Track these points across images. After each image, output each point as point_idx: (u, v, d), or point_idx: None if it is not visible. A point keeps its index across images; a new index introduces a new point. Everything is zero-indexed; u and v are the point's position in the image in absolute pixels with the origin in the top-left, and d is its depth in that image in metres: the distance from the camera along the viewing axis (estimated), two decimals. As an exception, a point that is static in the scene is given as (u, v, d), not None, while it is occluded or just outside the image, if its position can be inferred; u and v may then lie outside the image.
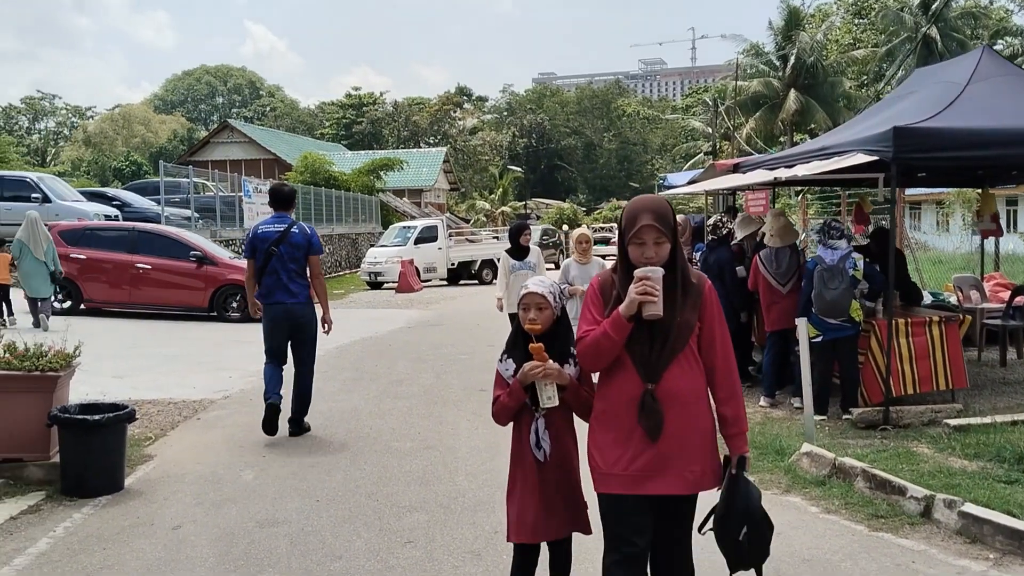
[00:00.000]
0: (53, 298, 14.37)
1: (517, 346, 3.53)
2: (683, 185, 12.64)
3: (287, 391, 7.48)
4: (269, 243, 7.30)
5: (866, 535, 4.97)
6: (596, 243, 46.34)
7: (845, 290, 7.46)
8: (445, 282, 27.29)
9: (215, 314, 15.93)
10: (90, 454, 5.70)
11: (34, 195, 20.08)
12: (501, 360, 3.59)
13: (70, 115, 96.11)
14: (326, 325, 7.67)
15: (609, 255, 46.06)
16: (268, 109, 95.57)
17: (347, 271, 32.20)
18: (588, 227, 53.37)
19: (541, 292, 3.46)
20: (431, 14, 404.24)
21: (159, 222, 20.65)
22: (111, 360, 11.08)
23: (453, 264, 27.11)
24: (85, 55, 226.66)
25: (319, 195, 31.19)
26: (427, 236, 26.67)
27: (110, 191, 26.20)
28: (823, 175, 7.89)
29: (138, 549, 4.84)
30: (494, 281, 28.04)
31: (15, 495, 5.69)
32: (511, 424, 3.58)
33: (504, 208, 64.38)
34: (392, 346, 12.94)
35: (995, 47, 59.18)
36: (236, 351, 12.28)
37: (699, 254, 9.87)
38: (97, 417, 5.68)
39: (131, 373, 10.34)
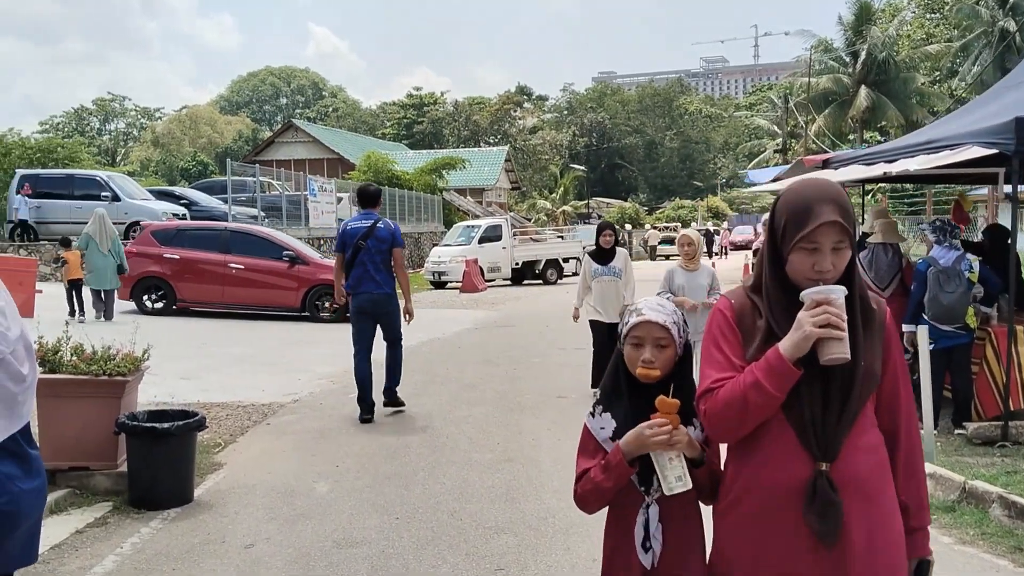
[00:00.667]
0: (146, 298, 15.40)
1: (619, 395, 2.36)
2: (768, 182, 12.02)
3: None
4: (357, 238, 7.94)
5: (1012, 572, 4.41)
6: (661, 243, 45.70)
7: (963, 294, 6.86)
8: (509, 282, 26.92)
9: (307, 314, 15.73)
10: (158, 464, 5.41)
11: (104, 194, 20.25)
12: (593, 414, 2.40)
13: (139, 116, 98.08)
14: (407, 315, 8.21)
15: (672, 255, 45.56)
16: (331, 109, 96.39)
17: (410, 270, 31.98)
18: (666, 227, 52.00)
19: (662, 323, 2.31)
20: (490, 15, 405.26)
21: (226, 220, 20.67)
22: (179, 361, 10.90)
23: (517, 264, 26.72)
24: (153, 58, 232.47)
25: (381, 194, 31.05)
26: (491, 235, 26.32)
27: (177, 190, 26.43)
28: (933, 171, 7.30)
29: (209, 570, 4.51)
30: (559, 281, 27.65)
31: (81, 506, 5.42)
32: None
33: (565, 207, 63.80)
34: (460, 348, 12.58)
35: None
36: (305, 352, 12.04)
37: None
38: (166, 425, 5.37)
39: (199, 374, 10.13)
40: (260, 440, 7.30)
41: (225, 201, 22.42)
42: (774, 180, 11.83)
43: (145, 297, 15.68)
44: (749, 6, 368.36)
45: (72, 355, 5.70)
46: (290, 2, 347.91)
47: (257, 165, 23.68)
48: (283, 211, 23.10)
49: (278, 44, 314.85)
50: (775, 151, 45.09)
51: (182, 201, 23.01)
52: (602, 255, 8.79)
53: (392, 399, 8.25)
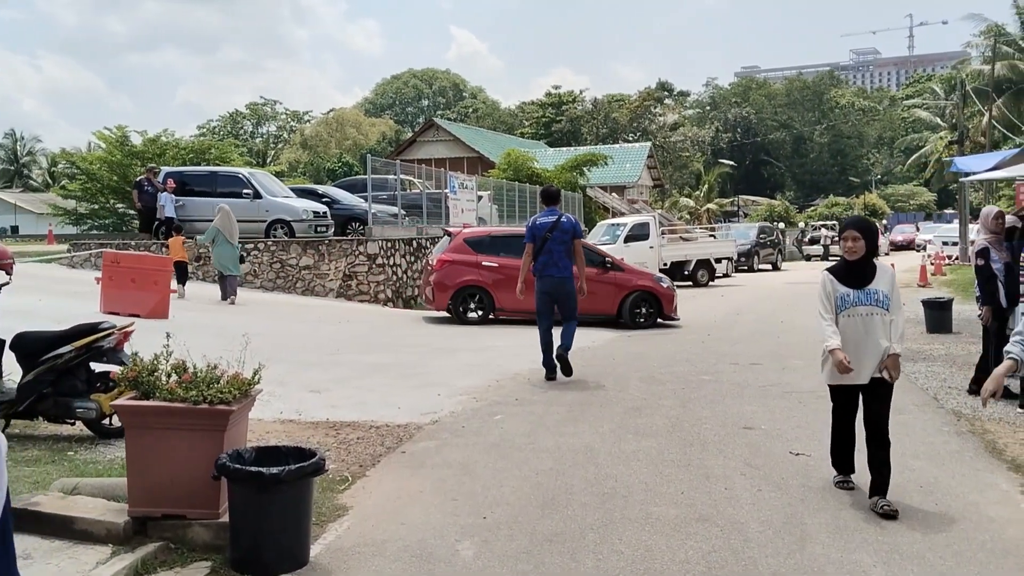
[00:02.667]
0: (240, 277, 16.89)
1: None
2: (987, 170, 10.10)
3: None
4: (545, 230, 9.58)
5: None
6: (810, 242, 42.95)
7: None
8: (656, 284, 25.29)
9: (621, 320, 15.18)
10: (267, 517, 4.30)
11: (245, 191, 19.94)
12: None
13: (289, 120, 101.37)
14: (581, 293, 9.81)
15: (813, 256, 42.82)
16: (471, 110, 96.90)
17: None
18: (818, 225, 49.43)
19: None
20: (628, 11, 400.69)
21: (367, 219, 20.01)
22: (309, 370, 10.01)
23: (666, 264, 25.08)
24: (303, 64, 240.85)
25: (523, 192, 30.04)
26: (638, 234, 24.83)
27: (320, 188, 26.10)
28: None
29: None
30: (711, 284, 25.86)
31: (174, 565, 4.38)
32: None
33: (709, 205, 61.33)
34: (615, 360, 11.20)
35: None
36: (445, 362, 10.96)
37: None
38: (275, 471, 4.26)
39: (329, 386, 9.17)
40: (393, 474, 6.16)
41: (366, 199, 21.82)
42: (994, 168, 9.89)
43: (462, 307, 15.30)
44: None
45: (171, 375, 4.70)
46: (433, 6, 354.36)
47: (398, 162, 22.97)
48: (424, 209, 22.31)
49: (421, 48, 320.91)
50: (950, 142, 41.35)
51: (324, 199, 22.56)
52: (852, 273, 5.43)
53: (564, 363, 9.50)
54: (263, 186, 20.49)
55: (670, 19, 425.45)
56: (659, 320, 15.19)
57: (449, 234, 16.32)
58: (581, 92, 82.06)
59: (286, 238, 19.51)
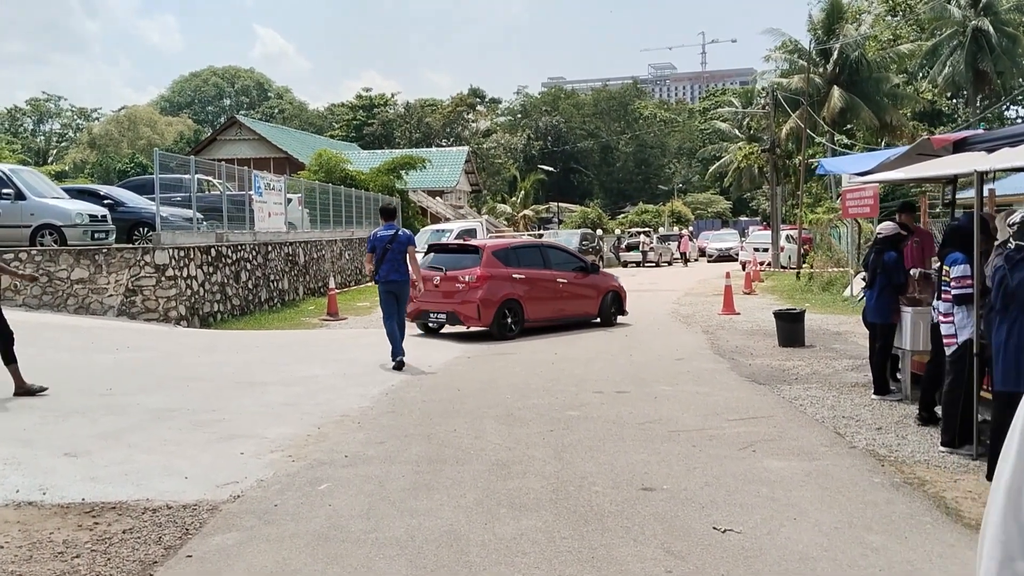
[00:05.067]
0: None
1: None
2: (868, 172, 9.14)
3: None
4: (385, 242, 11.31)
5: None
6: (627, 249, 43.10)
7: None
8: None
9: (600, 320, 16.20)
10: None
11: (5, 190, 16.69)
12: None
13: (75, 117, 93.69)
14: (418, 285, 11.54)
15: (630, 262, 43.19)
16: (276, 111, 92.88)
17: (370, 281, 28.81)
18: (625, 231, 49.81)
19: None
20: (436, 18, 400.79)
21: (154, 224, 17.23)
22: (68, 419, 7.64)
23: (492, 273, 23.60)
24: (93, 59, 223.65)
25: (337, 195, 27.80)
26: (464, 241, 23.23)
27: (103, 188, 22.73)
28: None
29: None
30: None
31: None
32: None
33: (526, 212, 60.95)
34: (461, 391, 9.46)
35: (1048, 43, 55.71)
36: (251, 400, 8.83)
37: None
38: None
39: (93, 446, 6.88)
40: (172, 602, 4.15)
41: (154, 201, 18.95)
42: (879, 168, 8.95)
43: (501, 322, 14.48)
44: (694, 14, 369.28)
45: None
46: (235, 3, 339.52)
47: (193, 159, 20.22)
48: (224, 212, 19.64)
49: (223, 46, 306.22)
50: (762, 150, 42.55)
51: (106, 201, 19.45)
52: None
53: (400, 364, 11.07)
54: (28, 185, 17.26)
55: (477, 28, 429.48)
56: (619, 317, 16.57)
57: (437, 247, 16.44)
58: (393, 96, 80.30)
59: (55, 246, 16.46)
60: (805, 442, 7.00)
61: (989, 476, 5.91)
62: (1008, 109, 52.05)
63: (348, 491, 5.80)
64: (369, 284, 28.59)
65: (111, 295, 15.83)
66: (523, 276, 14.82)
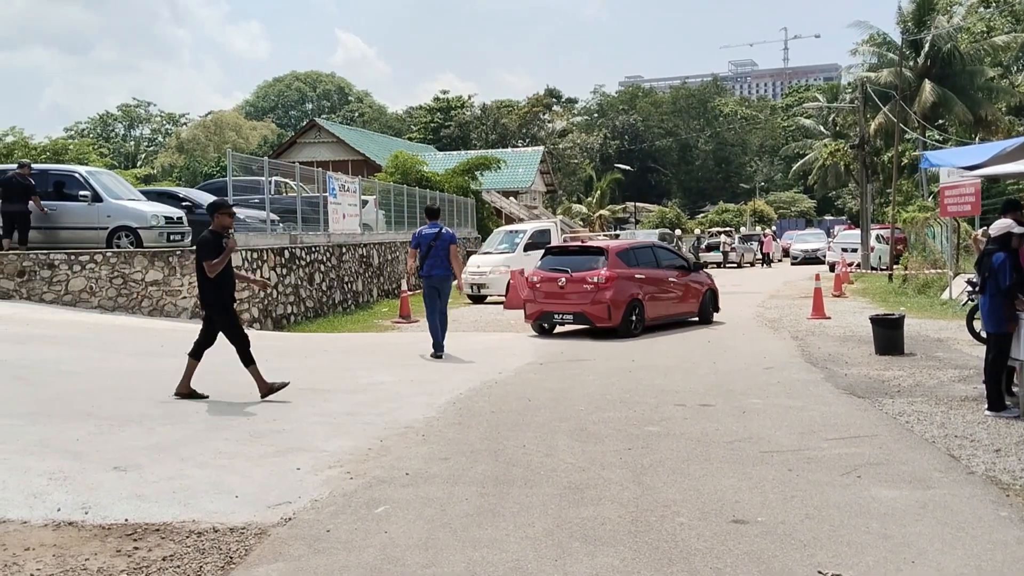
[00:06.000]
0: None
1: None
2: (978, 165, 8.29)
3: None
4: (429, 239, 12.18)
5: None
6: (707, 249, 41.91)
7: None
8: (558, 296, 23.25)
9: (698, 319, 16.55)
10: None
11: (82, 192, 16.81)
12: None
13: (164, 122, 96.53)
14: (458, 281, 12.74)
15: (711, 263, 41.66)
16: (356, 114, 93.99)
17: (412, 276, 28.55)
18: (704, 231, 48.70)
19: None
20: (511, 20, 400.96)
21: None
22: (124, 428, 7.35)
23: (569, 275, 23.02)
24: (182, 66, 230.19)
25: (412, 196, 27.56)
26: (539, 242, 22.69)
27: (181, 191, 22.92)
28: None
29: None
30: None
31: None
32: None
33: (602, 212, 60.18)
34: (532, 401, 8.91)
35: None
36: (313, 408, 8.43)
37: None
38: None
39: (143, 459, 6.53)
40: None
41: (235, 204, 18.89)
42: (993, 160, 8.09)
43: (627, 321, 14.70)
44: (776, 10, 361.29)
45: None
46: (318, 9, 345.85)
47: (266, 159, 20.13)
48: (299, 214, 19.49)
49: (306, 51, 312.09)
50: (851, 146, 40.95)
51: (184, 203, 19.55)
52: None
53: (441, 353, 11.97)
54: (105, 187, 17.36)
55: (552, 28, 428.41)
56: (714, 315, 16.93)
57: (555, 250, 16.74)
58: (470, 97, 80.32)
59: (131, 248, 16.50)
60: (916, 466, 6.25)
61: None
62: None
63: (407, 515, 5.31)
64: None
65: (184, 297, 15.77)
66: (643, 276, 15.20)
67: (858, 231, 34.63)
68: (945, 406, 8.43)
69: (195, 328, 14.93)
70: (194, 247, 9.20)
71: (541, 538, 4.88)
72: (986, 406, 8.10)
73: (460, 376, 10.38)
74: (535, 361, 11.82)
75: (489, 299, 22.33)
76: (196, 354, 8.84)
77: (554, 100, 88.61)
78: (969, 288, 13.83)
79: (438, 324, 12.03)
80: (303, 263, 18.21)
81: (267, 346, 13.23)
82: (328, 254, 19.65)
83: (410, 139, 72.33)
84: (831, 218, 77.47)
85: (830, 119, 62.18)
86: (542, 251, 22.30)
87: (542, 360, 11.91)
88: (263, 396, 8.71)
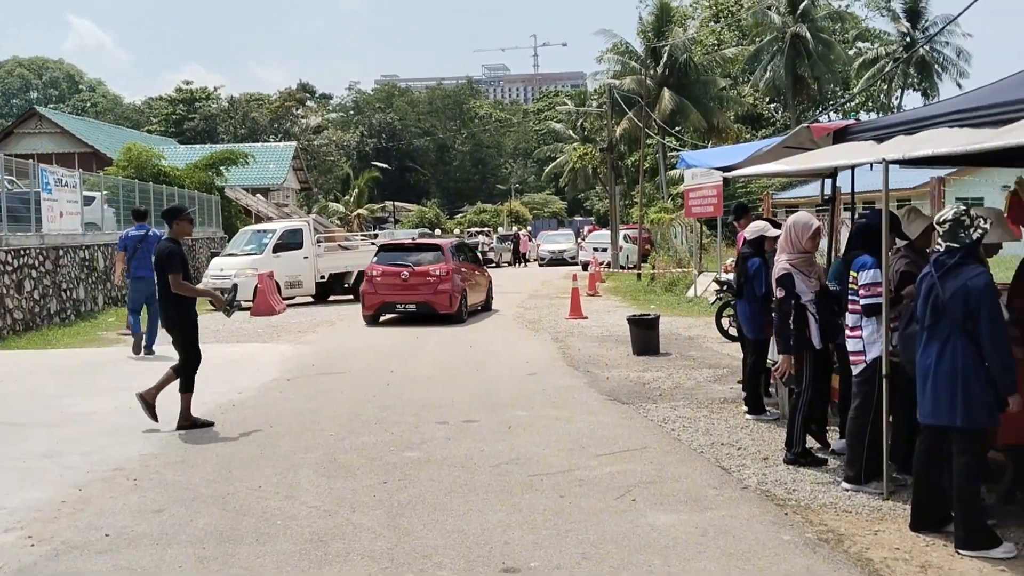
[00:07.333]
0: None
1: None
2: (734, 166, 8.18)
3: None
4: (136, 241, 12.45)
5: None
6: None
7: None
8: (312, 299, 21.95)
9: (482, 308, 18.44)
10: None
11: None
12: None
13: None
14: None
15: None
16: (88, 104, 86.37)
17: (119, 280, 26.24)
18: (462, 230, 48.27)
19: None
20: (264, 11, 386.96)
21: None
22: None
23: (323, 277, 21.75)
24: None
25: (146, 192, 25.10)
26: (289, 242, 21.21)
27: None
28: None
29: None
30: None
31: None
32: None
33: (360, 211, 58.84)
34: (274, 427, 7.79)
35: (856, 50, 58.95)
36: (4, 451, 6.85)
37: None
38: None
39: None
40: None
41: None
42: (749, 161, 8.00)
43: None
44: (526, 17, 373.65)
45: None
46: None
47: (-38, 149, 17.34)
48: (3, 212, 16.86)
49: (32, 36, 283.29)
50: (600, 149, 42.32)
51: None
52: None
53: (150, 351, 12.21)
54: None
55: (307, 23, 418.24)
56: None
57: (390, 247, 18.50)
58: (216, 89, 76.00)
59: None
60: (690, 483, 5.87)
61: (913, 526, 4.93)
62: (824, 113, 54.44)
63: (96, 600, 4.14)
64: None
65: None
66: (465, 270, 17.21)
67: (607, 231, 35.81)
68: (707, 410, 8.28)
69: None
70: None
71: (272, 617, 3.91)
72: (746, 409, 8.02)
73: (197, 401, 9.03)
74: (281, 376, 10.66)
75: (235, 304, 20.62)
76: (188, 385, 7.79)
77: (308, 95, 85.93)
78: (716, 287, 14.23)
79: (139, 324, 12.34)
80: (10, 268, 15.76)
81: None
82: (42, 257, 17.19)
83: (149, 131, 67.20)
84: (580, 219, 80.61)
85: (579, 124, 64.62)
86: (294, 250, 21.13)
87: (290, 375, 10.77)
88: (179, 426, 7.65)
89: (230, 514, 5.35)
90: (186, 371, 7.77)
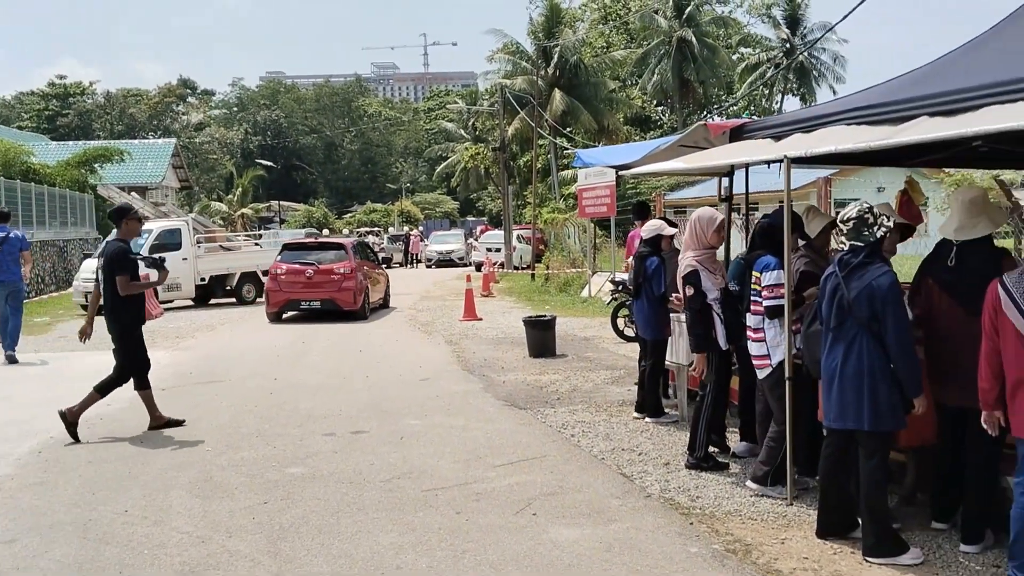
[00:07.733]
0: None
1: None
2: (630, 165, 8.02)
3: None
4: None
5: None
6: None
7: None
8: (192, 303, 20.95)
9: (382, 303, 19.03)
10: None
11: None
12: None
13: None
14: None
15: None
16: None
17: (54, 291, 24.74)
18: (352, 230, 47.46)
19: None
20: (143, 4, 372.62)
21: None
22: None
23: (204, 279, 20.79)
24: None
25: (13, 190, 23.56)
26: (167, 243, 20.16)
27: None
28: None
29: None
30: (259, 300, 22.06)
31: None
32: None
33: (245, 210, 57.04)
34: (145, 442, 7.20)
35: (739, 55, 60.70)
36: None
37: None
38: None
39: None
40: None
41: None
42: (645, 159, 7.86)
43: None
44: (416, 15, 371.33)
45: None
46: None
47: None
48: None
49: None
50: (493, 149, 42.14)
51: None
52: None
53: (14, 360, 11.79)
54: None
55: (189, 16, 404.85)
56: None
57: (294, 246, 18.35)
58: (92, 84, 72.51)
59: None
60: (592, 493, 5.63)
61: (820, 533, 4.81)
62: (709, 116, 55.80)
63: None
64: (55, 294, 24.62)
65: None
66: (366, 268, 17.60)
67: (501, 231, 35.67)
68: (606, 413, 8.09)
69: None
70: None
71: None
72: (636, 414, 7.88)
73: (56, 413, 8.31)
74: (157, 386, 9.92)
75: (109, 309, 19.50)
76: (142, 384, 7.78)
77: (189, 91, 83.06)
78: (611, 287, 14.16)
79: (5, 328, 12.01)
80: None
81: None
82: None
83: (20, 128, 63.55)
84: (473, 219, 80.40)
85: (471, 123, 64.38)
86: (172, 251, 20.07)
87: (166, 384, 10.07)
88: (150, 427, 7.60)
89: (91, 543, 4.81)
90: (136, 373, 7.74)
